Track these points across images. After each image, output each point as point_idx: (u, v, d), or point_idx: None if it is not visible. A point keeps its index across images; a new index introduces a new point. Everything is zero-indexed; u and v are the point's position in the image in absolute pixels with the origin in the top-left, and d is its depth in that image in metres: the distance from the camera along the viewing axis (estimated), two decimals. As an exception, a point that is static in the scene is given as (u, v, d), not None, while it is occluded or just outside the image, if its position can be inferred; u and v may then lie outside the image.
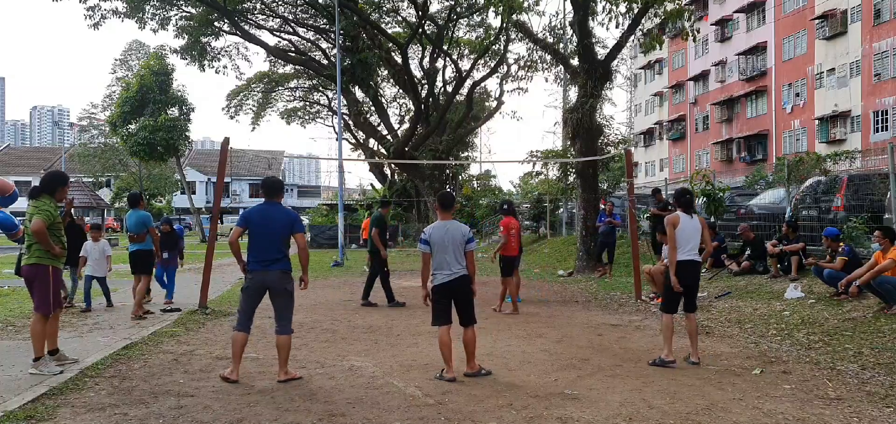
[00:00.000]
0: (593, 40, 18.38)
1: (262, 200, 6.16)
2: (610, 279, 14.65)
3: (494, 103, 36.79)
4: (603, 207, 15.64)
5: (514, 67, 31.88)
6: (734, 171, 41.24)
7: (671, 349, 6.57)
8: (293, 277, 6.09)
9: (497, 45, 30.07)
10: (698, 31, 16.91)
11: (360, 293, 12.63)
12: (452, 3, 30.17)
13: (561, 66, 19.98)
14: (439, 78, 33.03)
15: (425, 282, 6.25)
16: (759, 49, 47.20)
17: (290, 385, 5.88)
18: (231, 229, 6.99)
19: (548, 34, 21.60)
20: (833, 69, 40.62)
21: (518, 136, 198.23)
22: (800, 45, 43.55)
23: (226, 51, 36.17)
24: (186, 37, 29.69)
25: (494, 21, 30.58)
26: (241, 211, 5.60)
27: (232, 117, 40.19)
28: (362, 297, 11.39)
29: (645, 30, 18.53)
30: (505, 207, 11.13)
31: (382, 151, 34.05)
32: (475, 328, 6.28)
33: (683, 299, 6.78)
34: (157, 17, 27.91)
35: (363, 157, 42.53)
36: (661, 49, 22.56)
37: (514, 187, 42.39)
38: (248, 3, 29.40)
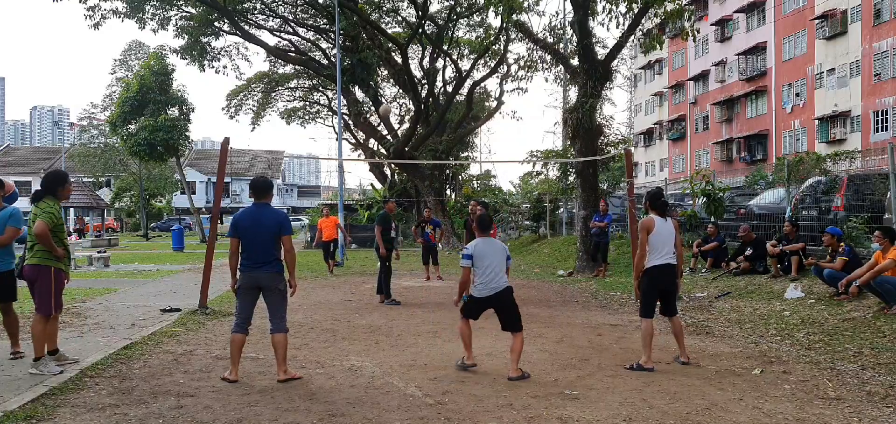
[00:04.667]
0: (593, 40, 18.37)
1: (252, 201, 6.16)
2: (604, 277, 14.69)
3: (494, 103, 36.77)
4: (602, 207, 15.65)
5: (514, 67, 31.87)
6: (734, 171, 41.24)
7: (650, 354, 6.45)
8: (285, 277, 6.14)
9: (497, 45, 30.04)
10: (698, 31, 16.91)
11: (359, 293, 12.63)
12: (452, 3, 30.16)
13: (561, 66, 19.96)
14: (439, 78, 33.02)
15: (462, 291, 6.56)
16: (759, 49, 47.20)
17: (290, 385, 5.88)
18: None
19: (548, 34, 21.60)
20: (833, 69, 40.63)
21: (518, 136, 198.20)
22: (800, 45, 43.56)
23: (226, 51, 36.23)
24: (186, 37, 29.65)
25: (494, 21, 30.61)
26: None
27: (232, 117, 40.23)
28: (384, 294, 11.42)
29: (645, 30, 18.54)
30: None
31: (382, 151, 34.04)
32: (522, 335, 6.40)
33: (661, 303, 6.69)
34: (157, 17, 27.86)
35: (363, 157, 42.54)
36: (661, 49, 22.58)
37: (514, 187, 42.41)
38: (248, 3, 29.36)
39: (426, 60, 33.01)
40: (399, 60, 30.00)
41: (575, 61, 17.55)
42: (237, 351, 6.03)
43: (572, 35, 19.02)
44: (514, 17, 16.32)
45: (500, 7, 15.27)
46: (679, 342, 6.70)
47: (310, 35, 33.55)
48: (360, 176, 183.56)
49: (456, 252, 22.08)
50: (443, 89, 33.33)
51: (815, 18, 41.18)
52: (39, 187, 6.48)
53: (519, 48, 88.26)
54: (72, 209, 39.73)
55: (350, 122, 37.08)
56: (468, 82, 31.97)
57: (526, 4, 16.94)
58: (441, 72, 33.04)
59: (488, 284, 6.28)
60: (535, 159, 26.43)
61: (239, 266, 6.05)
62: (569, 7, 17.45)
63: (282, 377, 5.99)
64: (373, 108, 33.90)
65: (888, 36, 36.53)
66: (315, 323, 9.32)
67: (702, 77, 54.22)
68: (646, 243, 6.48)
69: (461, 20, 32.09)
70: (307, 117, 44.41)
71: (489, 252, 6.32)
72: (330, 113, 42.81)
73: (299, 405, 5.30)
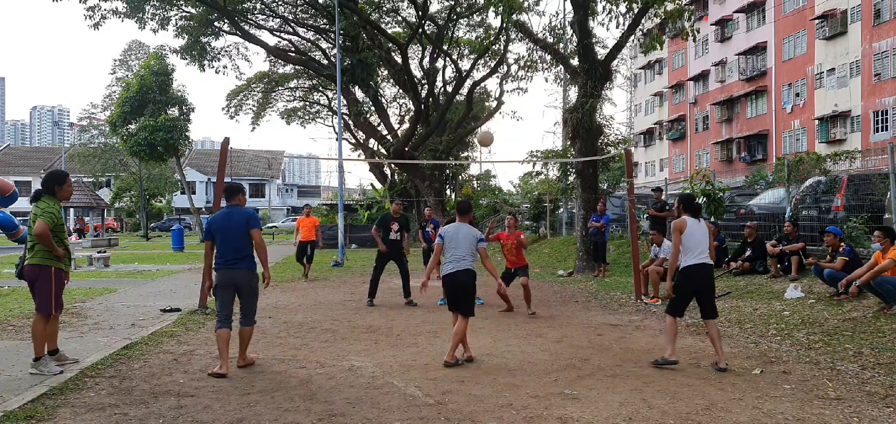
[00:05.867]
0: (593, 40, 18.36)
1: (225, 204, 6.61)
2: (603, 277, 14.69)
3: (494, 103, 36.76)
4: (599, 207, 15.65)
5: (514, 67, 31.87)
6: (734, 171, 41.23)
7: (674, 348, 6.55)
8: (259, 274, 6.52)
9: (497, 45, 30.03)
10: (698, 31, 16.91)
11: (359, 293, 12.63)
12: (452, 3, 30.15)
13: (561, 66, 19.95)
14: (439, 78, 33.01)
15: (430, 272, 7.21)
16: (759, 49, 47.21)
17: (289, 385, 5.89)
18: None
19: (548, 34, 21.57)
20: (833, 69, 40.63)
21: (518, 136, 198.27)
22: (800, 45, 43.56)
23: (226, 51, 36.17)
24: (186, 37, 29.62)
25: (494, 21, 30.60)
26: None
27: (232, 117, 40.20)
28: (369, 295, 11.43)
29: (645, 30, 18.53)
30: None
31: (382, 151, 34.03)
32: (468, 322, 6.76)
33: (699, 305, 6.69)
34: (157, 17, 27.84)
35: (363, 157, 42.54)
36: (661, 49, 22.56)
37: (514, 187, 42.38)
38: (248, 3, 29.36)
39: (426, 60, 33.01)
40: (399, 59, 29.99)
41: (575, 61, 17.54)
42: (224, 346, 6.27)
43: (572, 35, 19.01)
44: (514, 17, 16.32)
45: (500, 7, 15.27)
46: (715, 346, 6.55)
47: (310, 35, 33.55)
48: (360, 176, 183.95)
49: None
50: (443, 89, 33.32)
51: (815, 18, 41.18)
52: (39, 187, 6.50)
53: (519, 48, 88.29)
54: (72, 209, 39.70)
55: (350, 122, 37.07)
56: (468, 82, 31.96)
57: (526, 4, 16.93)
58: (441, 72, 33.04)
59: (451, 262, 6.79)
60: (535, 159, 26.42)
61: (214, 265, 6.42)
62: (569, 7, 17.46)
63: (241, 363, 6.45)
64: (373, 108, 33.90)
65: (888, 36, 36.53)
66: (315, 323, 9.33)
67: (702, 77, 54.22)
68: (679, 244, 6.57)
69: (461, 20, 32.08)
70: (307, 117, 44.39)
71: (458, 235, 6.84)
72: (330, 113, 42.80)
73: (299, 405, 5.30)
